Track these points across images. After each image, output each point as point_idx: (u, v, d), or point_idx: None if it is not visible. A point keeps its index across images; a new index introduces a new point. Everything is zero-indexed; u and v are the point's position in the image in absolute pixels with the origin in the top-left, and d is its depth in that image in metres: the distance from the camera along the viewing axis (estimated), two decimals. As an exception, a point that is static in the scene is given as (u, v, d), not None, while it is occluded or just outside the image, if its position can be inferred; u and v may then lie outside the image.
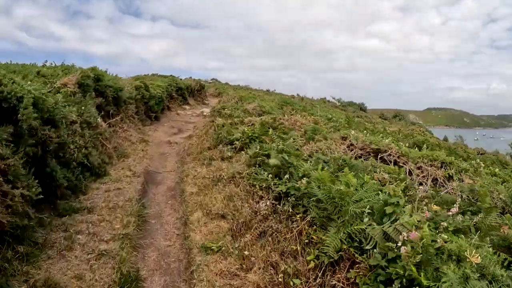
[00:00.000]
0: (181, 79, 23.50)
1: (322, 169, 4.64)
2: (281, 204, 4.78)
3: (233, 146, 7.57)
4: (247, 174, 5.90)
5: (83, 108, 6.66)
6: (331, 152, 6.63)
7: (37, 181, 3.86)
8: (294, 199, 4.64)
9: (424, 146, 9.31)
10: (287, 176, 4.98)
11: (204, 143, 8.87)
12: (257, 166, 6.06)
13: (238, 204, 5.19)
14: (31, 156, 4.10)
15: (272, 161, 5.08)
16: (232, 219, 4.95)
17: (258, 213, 4.88)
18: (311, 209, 4.39)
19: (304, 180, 4.59)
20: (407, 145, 9.95)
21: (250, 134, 7.41)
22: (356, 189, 3.81)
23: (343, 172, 4.73)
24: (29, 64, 10.12)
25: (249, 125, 9.03)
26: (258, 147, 6.46)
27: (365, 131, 9.64)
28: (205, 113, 18.19)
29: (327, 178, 4.35)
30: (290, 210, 4.61)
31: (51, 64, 10.45)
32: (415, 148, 10.09)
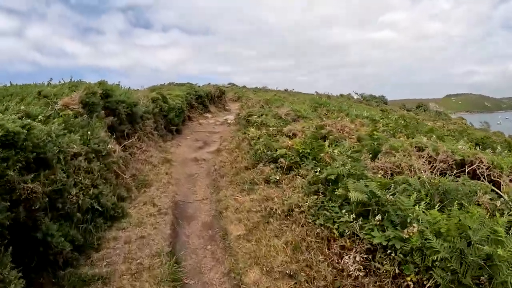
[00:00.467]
0: (199, 86, 22.19)
1: (431, 206, 3.11)
2: (379, 261, 3.23)
3: (278, 165, 6.04)
4: (309, 207, 4.36)
5: (89, 133, 5.27)
6: (413, 170, 4.99)
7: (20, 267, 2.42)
8: (401, 255, 3.09)
9: (498, 147, 7.56)
10: (378, 217, 3.41)
11: (239, 160, 7.39)
12: (320, 195, 4.50)
13: (310, 256, 3.65)
14: (7, 226, 2.69)
15: (354, 195, 3.51)
16: (307, 281, 3.42)
17: (344, 273, 3.35)
18: (433, 271, 2.85)
19: (415, 229, 3.03)
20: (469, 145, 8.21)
21: (299, 150, 5.85)
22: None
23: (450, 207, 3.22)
24: (33, 84, 8.88)
25: (290, 136, 7.48)
26: (316, 168, 4.92)
27: (429, 134, 7.92)
28: (229, 121, 16.76)
29: (452, 225, 2.81)
30: (396, 271, 3.07)
31: (60, 81, 9.18)
32: (477, 148, 8.37)
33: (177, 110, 12.12)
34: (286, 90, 60.48)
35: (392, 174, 4.85)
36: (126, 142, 7.28)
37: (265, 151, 6.67)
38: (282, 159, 5.90)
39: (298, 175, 5.29)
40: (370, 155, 5.57)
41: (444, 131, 9.81)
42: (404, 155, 5.25)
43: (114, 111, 7.36)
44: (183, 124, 14.45)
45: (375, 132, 6.99)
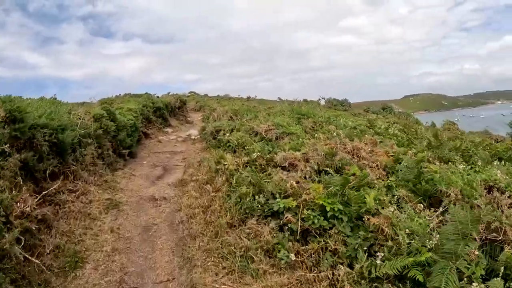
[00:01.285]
0: (158, 97, 19.71)
1: None
2: None
3: (282, 223, 3.96)
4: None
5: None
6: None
7: None
8: None
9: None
10: None
11: (216, 208, 5.23)
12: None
13: None
14: None
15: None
16: None
17: None
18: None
19: None
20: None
21: (324, 203, 3.75)
22: None
23: None
24: None
25: (287, 167, 5.43)
26: (363, 243, 2.90)
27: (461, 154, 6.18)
28: (193, 136, 14.49)
29: None
30: None
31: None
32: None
33: (130, 129, 9.75)
34: (248, 98, 58.72)
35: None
36: (48, 190, 4.89)
37: (255, 196, 4.57)
38: (289, 216, 3.81)
39: (329, 250, 3.24)
40: (422, 202, 3.63)
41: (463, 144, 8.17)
42: (491, 208, 3.35)
43: (30, 142, 4.97)
44: (138, 144, 12.03)
45: (403, 157, 5.10)
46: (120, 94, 24.00)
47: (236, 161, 6.31)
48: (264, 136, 8.77)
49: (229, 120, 14.36)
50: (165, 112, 17.11)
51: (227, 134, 10.06)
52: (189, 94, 49.68)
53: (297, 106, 12.93)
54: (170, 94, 20.16)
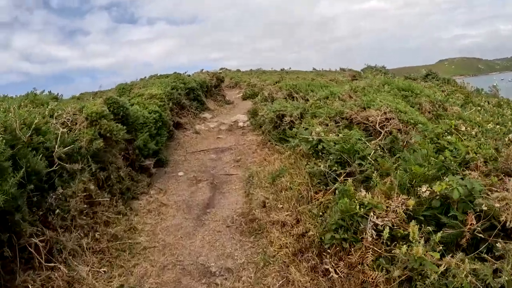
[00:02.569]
0: (189, 76, 16.29)
1: None
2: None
3: None
4: None
5: None
6: None
7: None
8: None
9: None
10: None
11: None
12: None
13: None
14: None
15: None
16: None
17: None
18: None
19: None
20: None
21: None
22: None
23: None
24: None
25: None
26: None
27: None
28: (241, 123, 11.01)
29: None
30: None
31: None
32: None
33: (153, 125, 6.41)
34: (282, 70, 54.51)
35: None
36: None
37: None
38: None
39: None
40: None
41: None
42: None
43: None
44: (169, 141, 8.75)
45: None
46: (145, 77, 20.81)
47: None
48: (379, 130, 5.09)
49: (288, 99, 10.73)
50: (200, 93, 13.71)
51: (303, 124, 6.51)
52: (220, 71, 46.22)
53: (388, 78, 9.03)
54: (203, 71, 16.71)
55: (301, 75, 25.17)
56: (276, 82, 22.04)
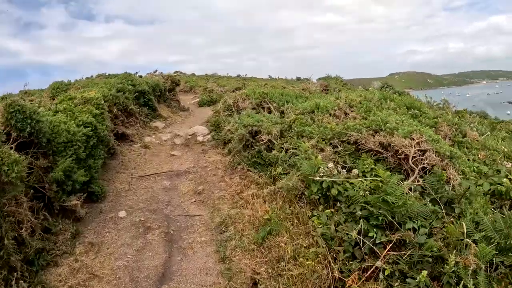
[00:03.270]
0: (140, 77, 14.19)
1: None
2: None
3: None
4: None
5: None
6: None
7: None
8: None
9: None
10: None
11: None
12: None
13: None
14: None
15: None
16: None
17: None
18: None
19: None
20: None
21: None
22: None
23: None
24: None
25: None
26: None
27: None
28: (200, 137, 9.18)
29: None
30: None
31: None
32: None
33: (82, 145, 4.45)
34: (239, 76, 53.14)
35: None
36: None
37: None
38: None
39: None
40: None
41: None
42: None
43: None
44: (110, 158, 6.79)
45: None
46: (92, 76, 18.13)
47: None
48: (412, 166, 3.62)
49: (257, 109, 9.11)
50: (152, 98, 11.69)
51: (286, 145, 4.95)
52: (174, 74, 43.57)
53: (387, 93, 7.73)
54: (157, 73, 14.51)
55: (264, 82, 23.78)
56: (237, 89, 20.43)
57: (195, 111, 15.49)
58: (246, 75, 56.76)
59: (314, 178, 4.10)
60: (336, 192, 4.05)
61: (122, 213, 4.87)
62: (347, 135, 5.28)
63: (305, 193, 4.34)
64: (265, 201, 4.93)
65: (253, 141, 6.69)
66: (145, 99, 11.31)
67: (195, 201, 5.46)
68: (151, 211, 4.98)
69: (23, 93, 12.01)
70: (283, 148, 5.97)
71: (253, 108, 9.40)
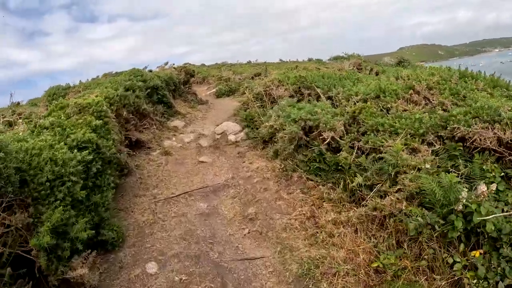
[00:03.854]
0: (150, 71, 12.63)
1: None
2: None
3: None
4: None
5: None
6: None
7: None
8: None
9: None
10: None
11: None
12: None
13: None
14: None
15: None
16: None
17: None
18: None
19: None
20: None
21: None
22: None
23: None
24: None
25: None
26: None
27: None
28: (231, 136, 7.55)
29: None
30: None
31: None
32: None
33: (77, 183, 2.85)
34: (249, 62, 51.20)
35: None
36: None
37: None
38: None
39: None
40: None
41: None
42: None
43: None
44: (123, 177, 5.29)
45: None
46: (98, 76, 16.54)
47: None
48: None
49: (296, 96, 7.43)
50: (166, 93, 10.11)
51: (360, 143, 3.34)
52: (184, 66, 41.68)
53: (466, 70, 5.91)
54: (168, 65, 12.87)
55: (285, 65, 21.97)
56: (256, 75, 18.69)
57: (215, 104, 13.88)
58: (257, 60, 54.74)
59: (456, 209, 2.49)
60: (492, 228, 2.44)
61: (151, 267, 3.32)
62: (448, 128, 3.59)
63: (436, 227, 2.70)
64: (356, 230, 3.33)
65: (308, 139, 5.06)
66: (159, 96, 9.73)
67: (249, 233, 3.89)
68: (193, 259, 3.43)
69: (29, 103, 10.63)
70: (353, 148, 4.33)
71: (291, 96, 7.71)
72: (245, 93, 15.04)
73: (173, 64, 13.28)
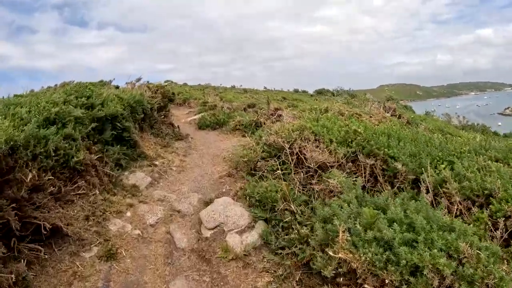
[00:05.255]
0: (117, 87, 9.11)
1: None
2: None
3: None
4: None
5: None
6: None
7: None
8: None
9: None
10: None
11: None
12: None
13: None
14: None
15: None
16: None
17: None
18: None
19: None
20: None
21: None
22: None
23: None
24: None
25: None
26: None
27: None
28: (234, 238, 4.02)
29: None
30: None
31: None
32: None
33: None
34: (233, 87, 48.47)
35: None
36: None
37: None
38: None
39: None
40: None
41: None
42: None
43: None
44: None
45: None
46: (49, 87, 12.56)
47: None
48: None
49: (351, 169, 4.14)
50: (129, 125, 6.58)
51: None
52: (166, 83, 38.08)
53: None
54: (141, 82, 9.35)
55: (277, 95, 18.89)
56: (249, 106, 15.40)
57: (197, 139, 10.45)
58: (241, 85, 51.73)
59: None
60: None
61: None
62: None
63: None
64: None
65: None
66: (117, 130, 6.21)
67: None
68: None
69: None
70: None
71: (339, 165, 4.39)
72: (237, 128, 11.64)
73: (147, 82, 9.76)
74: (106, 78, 9.29)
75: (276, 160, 5.12)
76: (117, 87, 10.25)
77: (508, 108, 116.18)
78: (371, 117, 6.74)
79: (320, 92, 57.05)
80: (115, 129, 6.18)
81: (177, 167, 7.19)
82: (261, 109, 14.34)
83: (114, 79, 9.80)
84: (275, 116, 10.27)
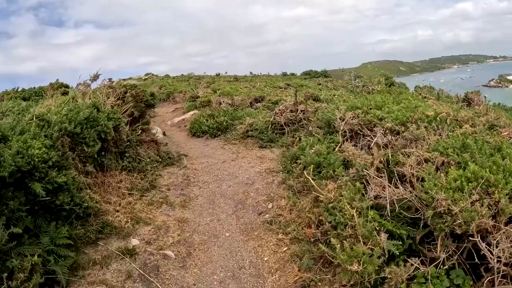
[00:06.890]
0: (57, 94, 5.36)
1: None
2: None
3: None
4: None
5: None
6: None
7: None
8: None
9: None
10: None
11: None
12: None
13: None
14: None
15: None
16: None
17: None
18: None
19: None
20: None
21: None
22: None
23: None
24: None
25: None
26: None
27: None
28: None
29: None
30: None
31: None
32: None
33: None
34: (218, 75, 44.21)
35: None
36: None
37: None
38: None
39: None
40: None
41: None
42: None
43: None
44: None
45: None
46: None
47: None
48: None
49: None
50: (68, 179, 3.03)
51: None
52: (146, 77, 33.98)
53: None
54: (100, 81, 5.73)
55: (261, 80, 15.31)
56: (256, 100, 11.79)
57: (193, 154, 6.96)
58: (226, 73, 47.39)
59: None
60: None
61: None
62: None
63: None
64: None
65: None
66: (39, 198, 2.65)
67: None
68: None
69: None
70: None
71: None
72: (248, 135, 8.09)
73: (110, 80, 6.06)
74: (88, 76, 5.70)
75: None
76: (65, 93, 6.55)
77: (492, 80, 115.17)
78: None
79: (307, 73, 53.79)
80: (34, 196, 2.61)
81: (175, 245, 3.68)
82: (273, 103, 10.74)
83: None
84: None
